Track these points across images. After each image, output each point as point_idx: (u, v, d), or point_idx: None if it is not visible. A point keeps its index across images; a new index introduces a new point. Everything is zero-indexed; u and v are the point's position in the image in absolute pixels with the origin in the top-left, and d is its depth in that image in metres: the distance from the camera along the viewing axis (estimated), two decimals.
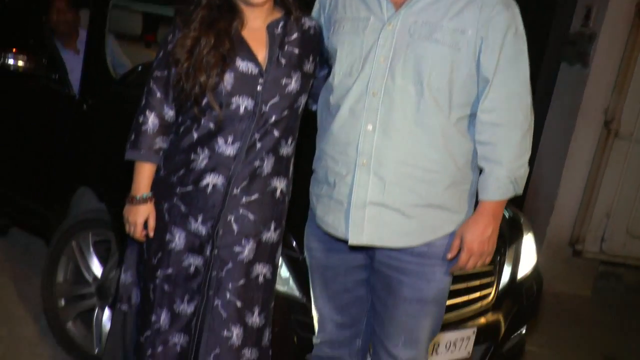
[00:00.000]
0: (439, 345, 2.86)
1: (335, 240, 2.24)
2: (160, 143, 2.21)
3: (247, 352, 2.29)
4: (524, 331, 3.43)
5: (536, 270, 3.45)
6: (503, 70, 2.03)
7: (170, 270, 2.22)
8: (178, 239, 2.20)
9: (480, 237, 2.10)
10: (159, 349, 2.27)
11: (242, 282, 2.23)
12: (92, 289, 3.02)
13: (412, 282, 2.17)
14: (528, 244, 3.37)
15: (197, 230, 2.20)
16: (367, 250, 2.24)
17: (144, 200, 2.22)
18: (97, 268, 3.02)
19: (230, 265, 2.21)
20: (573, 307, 5.23)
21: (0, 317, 3.29)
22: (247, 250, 2.22)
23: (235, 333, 2.25)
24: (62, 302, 3.08)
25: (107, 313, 2.96)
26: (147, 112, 2.19)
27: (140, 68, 3.55)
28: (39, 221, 3.55)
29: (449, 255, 2.13)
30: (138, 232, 2.23)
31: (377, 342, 2.32)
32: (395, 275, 2.18)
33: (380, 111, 2.07)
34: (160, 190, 2.23)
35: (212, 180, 2.17)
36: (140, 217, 2.22)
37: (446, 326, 2.71)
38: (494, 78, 2.03)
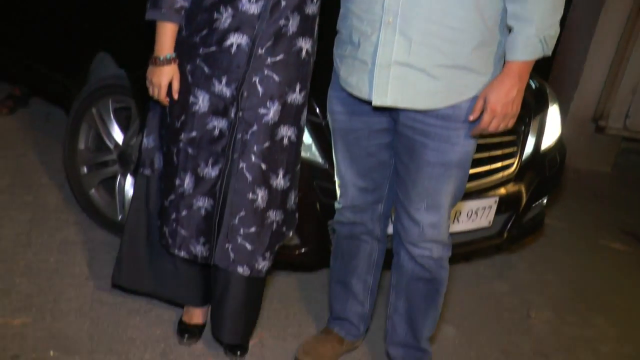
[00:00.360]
0: (460, 213, 2.88)
1: (358, 102, 2.21)
2: (182, 2, 2.15)
3: (272, 214, 2.30)
4: (544, 202, 3.44)
5: (560, 142, 3.43)
6: None
7: (194, 133, 2.20)
8: (202, 102, 2.18)
9: (505, 99, 2.05)
10: (183, 212, 2.29)
11: (267, 144, 2.21)
12: (113, 156, 3.03)
13: (436, 145, 2.15)
14: (553, 115, 3.33)
15: (221, 92, 2.17)
16: (390, 113, 2.20)
17: (168, 61, 2.18)
18: (118, 135, 3.02)
19: (255, 127, 2.19)
20: (593, 183, 5.22)
21: (25, 184, 3.33)
22: (272, 112, 2.19)
23: (260, 195, 2.25)
24: (85, 170, 3.10)
25: (129, 180, 2.98)
26: None
27: None
28: (59, 89, 3.52)
29: (471, 117, 2.09)
30: (162, 95, 2.20)
31: (400, 207, 2.32)
32: (419, 138, 2.15)
33: None
34: (183, 51, 2.19)
35: (236, 40, 2.12)
36: (165, 78, 2.18)
37: (468, 195, 2.71)
38: None
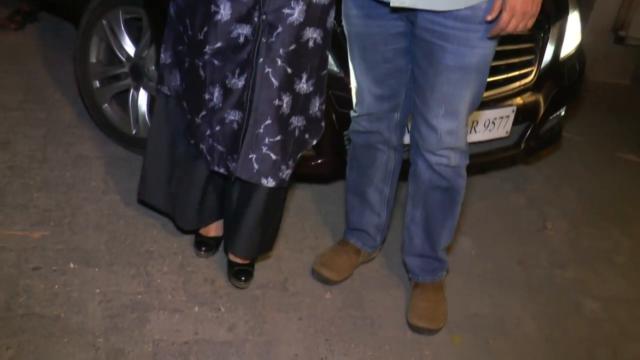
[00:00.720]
0: (477, 123, 2.84)
1: (375, 5, 2.14)
2: None
3: (294, 120, 2.24)
4: (562, 113, 3.39)
5: (580, 49, 3.35)
6: None
7: (219, 44, 2.11)
8: (224, 9, 2.07)
9: None
10: (217, 128, 2.22)
11: (292, 46, 2.12)
12: (125, 69, 2.97)
13: (455, 48, 2.09)
14: (573, 22, 3.24)
15: None
16: (408, 16, 2.14)
17: None
18: (129, 47, 2.96)
19: (280, 29, 2.08)
20: (611, 96, 5.16)
21: (38, 100, 3.30)
22: (296, 12, 2.08)
23: (285, 101, 2.18)
24: (97, 84, 3.05)
25: (142, 93, 2.94)
26: None
27: None
28: (68, 3, 3.45)
29: (489, 17, 2.00)
30: None
31: (417, 114, 2.28)
32: (438, 41, 2.10)
33: None
34: None
35: None
36: None
37: (485, 104, 2.67)
38: None
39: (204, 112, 2.23)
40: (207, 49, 2.12)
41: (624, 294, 2.96)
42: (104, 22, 2.95)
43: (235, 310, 2.36)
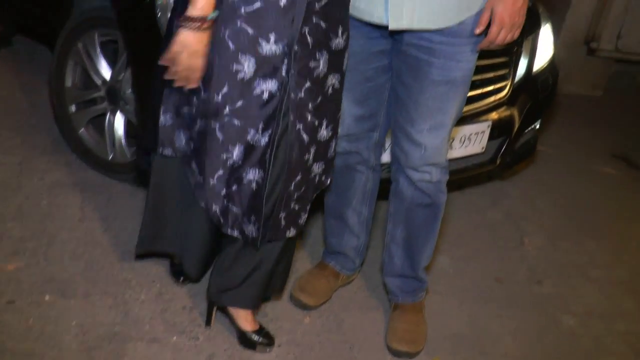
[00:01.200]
0: (453, 140, 2.85)
1: (357, 25, 2.14)
2: None
3: (315, 168, 2.16)
4: (537, 126, 3.42)
5: (552, 62, 3.38)
6: None
7: (239, 103, 1.96)
8: (247, 67, 1.92)
9: (512, 8, 2.03)
10: (234, 187, 2.07)
11: (319, 99, 2.04)
12: (101, 92, 2.95)
13: (442, 63, 2.13)
14: (546, 35, 3.27)
15: (270, 52, 1.91)
16: (391, 33, 2.16)
17: (211, 22, 1.88)
18: (105, 70, 2.94)
19: (308, 84, 1.99)
20: (585, 107, 5.21)
21: (12, 126, 3.27)
22: (321, 63, 2.00)
23: (312, 152, 2.10)
24: (73, 108, 3.04)
25: (118, 117, 2.92)
26: None
27: None
28: (43, 26, 3.43)
29: (478, 30, 2.06)
30: (198, 71, 1.92)
31: (400, 131, 2.29)
32: (425, 57, 2.12)
33: None
34: (219, 16, 1.91)
35: None
36: (205, 46, 1.89)
37: (461, 120, 2.67)
38: None
39: (220, 172, 2.06)
40: (227, 110, 1.97)
41: (600, 308, 2.98)
42: (80, 45, 2.93)
43: (214, 338, 2.35)
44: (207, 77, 1.96)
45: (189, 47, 1.88)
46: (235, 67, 1.92)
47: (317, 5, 1.92)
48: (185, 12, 1.86)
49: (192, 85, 1.96)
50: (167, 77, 1.94)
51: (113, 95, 2.92)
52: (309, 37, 1.94)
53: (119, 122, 2.94)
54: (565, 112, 4.98)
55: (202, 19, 1.85)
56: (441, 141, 2.26)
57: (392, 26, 2.06)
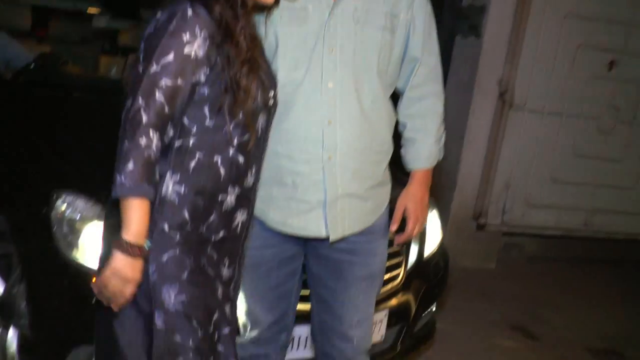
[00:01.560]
0: None
1: (271, 235, 2.17)
2: (157, 174, 1.79)
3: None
4: (433, 308, 3.42)
5: (442, 246, 3.46)
6: (427, 47, 2.20)
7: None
8: (220, 292, 1.95)
9: (422, 204, 2.29)
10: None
11: None
12: None
13: (362, 260, 2.22)
14: (433, 221, 3.35)
15: (227, 275, 1.97)
16: (306, 240, 2.19)
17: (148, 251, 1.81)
18: None
19: None
20: (479, 280, 5.28)
21: None
22: None
23: None
24: None
25: (11, 332, 2.70)
26: (151, 132, 1.71)
27: (32, 65, 3.38)
28: None
29: (393, 227, 2.25)
30: (129, 294, 1.80)
31: (327, 330, 2.30)
32: (347, 257, 2.20)
33: (338, 103, 2.05)
34: (192, 246, 1.87)
35: (240, 218, 1.95)
36: (140, 273, 1.79)
37: None
38: (422, 56, 2.19)
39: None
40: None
41: None
42: None
43: None
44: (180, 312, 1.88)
45: (121, 274, 1.77)
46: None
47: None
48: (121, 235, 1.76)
49: (114, 307, 1.85)
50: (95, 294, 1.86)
51: (6, 310, 2.70)
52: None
53: (12, 338, 2.69)
54: (462, 286, 5.02)
55: (139, 246, 1.76)
56: (368, 330, 2.35)
57: (333, 237, 2.14)
